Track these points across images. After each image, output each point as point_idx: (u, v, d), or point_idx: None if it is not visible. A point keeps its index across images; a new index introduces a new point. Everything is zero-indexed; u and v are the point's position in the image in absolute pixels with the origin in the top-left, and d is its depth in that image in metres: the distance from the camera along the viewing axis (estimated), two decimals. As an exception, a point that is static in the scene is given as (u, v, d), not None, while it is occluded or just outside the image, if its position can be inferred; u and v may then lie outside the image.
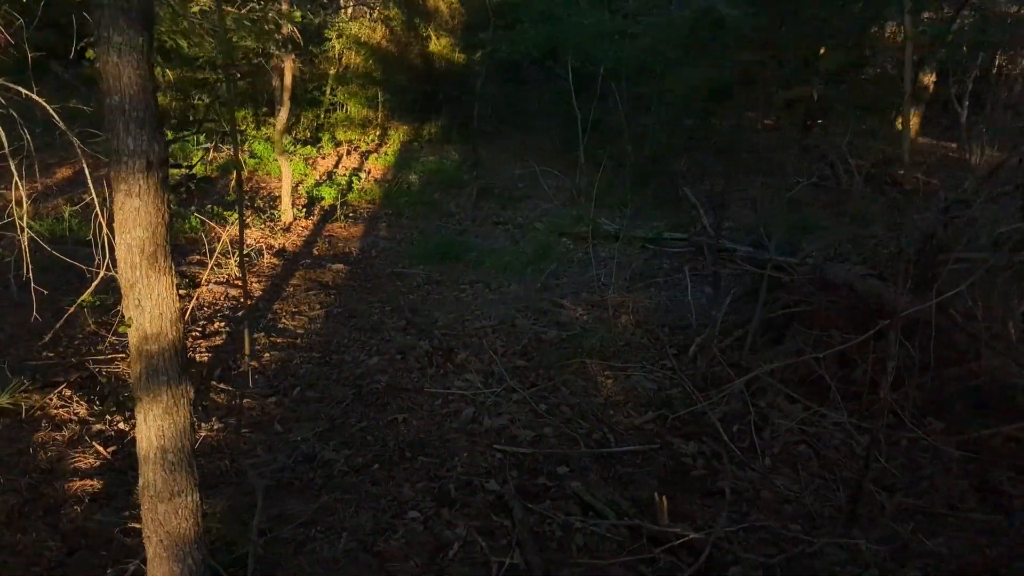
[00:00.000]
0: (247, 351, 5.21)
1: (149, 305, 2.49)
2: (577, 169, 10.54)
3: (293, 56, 9.43)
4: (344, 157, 13.50)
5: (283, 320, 6.29)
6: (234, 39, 6.95)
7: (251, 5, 7.24)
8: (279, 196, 10.14)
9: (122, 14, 2.30)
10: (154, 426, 2.61)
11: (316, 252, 8.41)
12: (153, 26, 2.45)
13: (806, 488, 4.26)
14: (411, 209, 10.31)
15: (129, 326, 2.51)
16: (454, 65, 16.53)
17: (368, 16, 15.89)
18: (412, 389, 5.26)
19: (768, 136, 15.10)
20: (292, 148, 12.45)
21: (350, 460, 4.30)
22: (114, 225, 2.47)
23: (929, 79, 16.82)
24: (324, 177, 11.93)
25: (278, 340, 5.87)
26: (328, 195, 10.63)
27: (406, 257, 8.34)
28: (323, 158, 13.25)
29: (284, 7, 8.25)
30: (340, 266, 7.87)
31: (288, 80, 9.54)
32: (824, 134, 11.92)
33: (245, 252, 7.58)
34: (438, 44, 16.45)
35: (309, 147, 13.26)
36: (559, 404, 5.04)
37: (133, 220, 2.43)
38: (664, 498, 3.86)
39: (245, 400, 4.91)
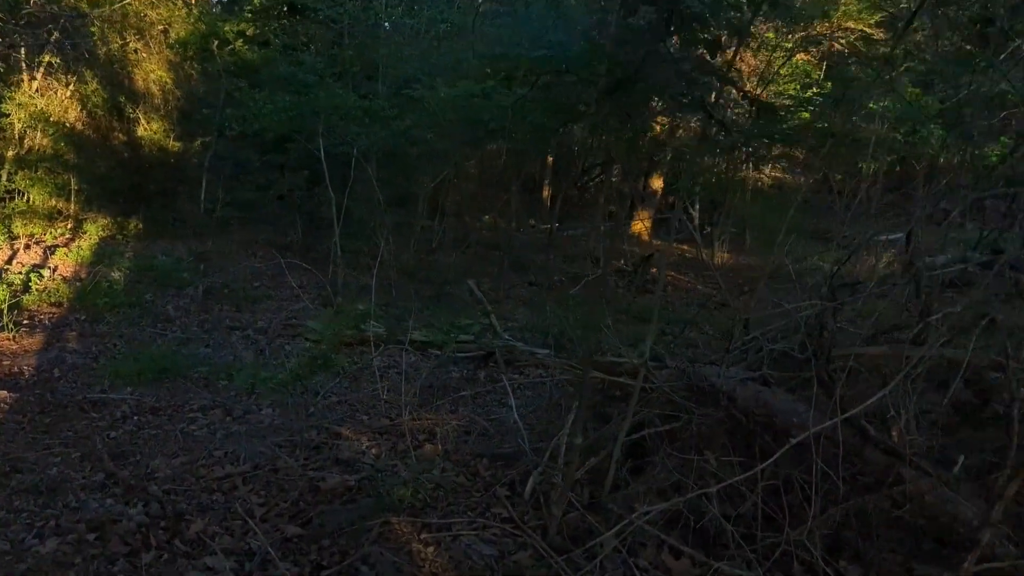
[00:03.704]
0: None
1: None
2: (330, 264, 8.87)
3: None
4: (21, 252, 10.68)
5: None
6: None
7: None
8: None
9: None
10: None
11: (-36, 375, 5.88)
12: None
13: None
14: (114, 313, 7.94)
15: None
16: (168, 153, 14.50)
17: (61, 89, 13.31)
18: (117, 595, 3.22)
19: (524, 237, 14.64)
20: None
21: None
22: None
23: (658, 184, 17.56)
24: (-12, 275, 9.13)
25: None
26: (-9, 298, 7.95)
27: (106, 376, 6.06)
28: (-9, 253, 10.38)
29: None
30: (3, 393, 5.47)
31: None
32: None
33: None
34: (148, 129, 14.29)
35: (-32, 241, 10.35)
36: (363, 597, 3.29)
37: None
38: None
39: None
